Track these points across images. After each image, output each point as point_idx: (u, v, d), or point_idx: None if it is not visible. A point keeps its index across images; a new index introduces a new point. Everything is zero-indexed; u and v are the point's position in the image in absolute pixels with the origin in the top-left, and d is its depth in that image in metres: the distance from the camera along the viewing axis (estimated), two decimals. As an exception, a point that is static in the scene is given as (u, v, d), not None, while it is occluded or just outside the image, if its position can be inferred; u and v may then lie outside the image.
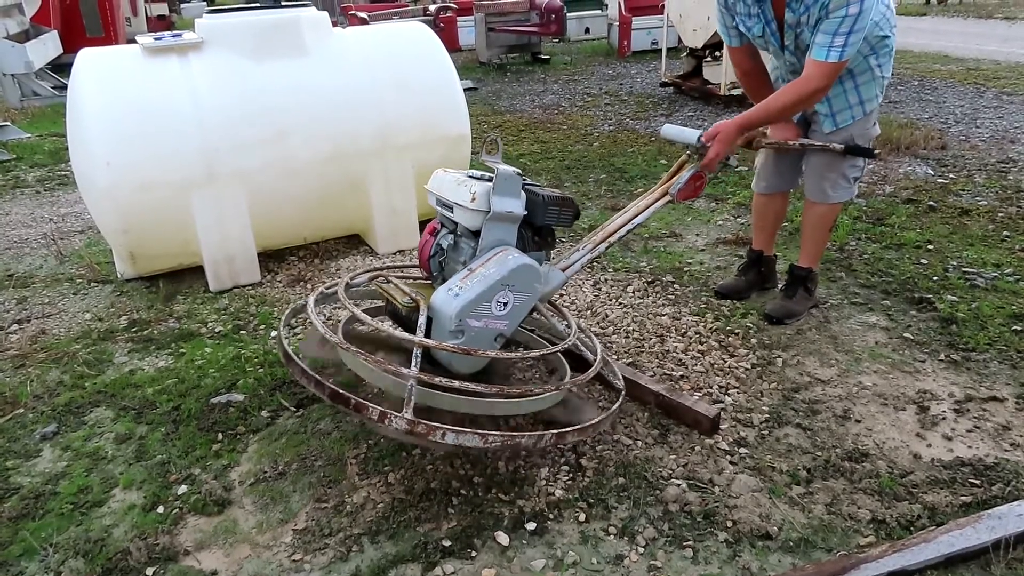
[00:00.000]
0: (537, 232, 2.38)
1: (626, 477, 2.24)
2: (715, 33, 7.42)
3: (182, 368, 2.96)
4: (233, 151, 3.56)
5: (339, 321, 3.17)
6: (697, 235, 4.26)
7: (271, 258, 4.01)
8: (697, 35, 7.68)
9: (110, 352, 3.13)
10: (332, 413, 2.60)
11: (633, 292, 3.51)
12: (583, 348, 2.38)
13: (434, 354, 2.19)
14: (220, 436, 2.52)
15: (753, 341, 3.02)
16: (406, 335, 2.05)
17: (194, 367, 2.96)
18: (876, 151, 2.96)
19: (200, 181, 3.50)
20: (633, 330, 3.14)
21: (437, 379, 1.97)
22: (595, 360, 2.32)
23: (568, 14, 11.65)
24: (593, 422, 2.11)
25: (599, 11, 13.98)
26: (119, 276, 3.84)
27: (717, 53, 7.58)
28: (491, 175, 2.24)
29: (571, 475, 2.26)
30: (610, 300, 3.45)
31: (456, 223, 2.30)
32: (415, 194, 4.07)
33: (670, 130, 2.87)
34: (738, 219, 4.46)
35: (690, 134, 2.76)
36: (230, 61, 3.68)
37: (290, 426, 2.57)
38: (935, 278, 3.53)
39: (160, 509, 2.20)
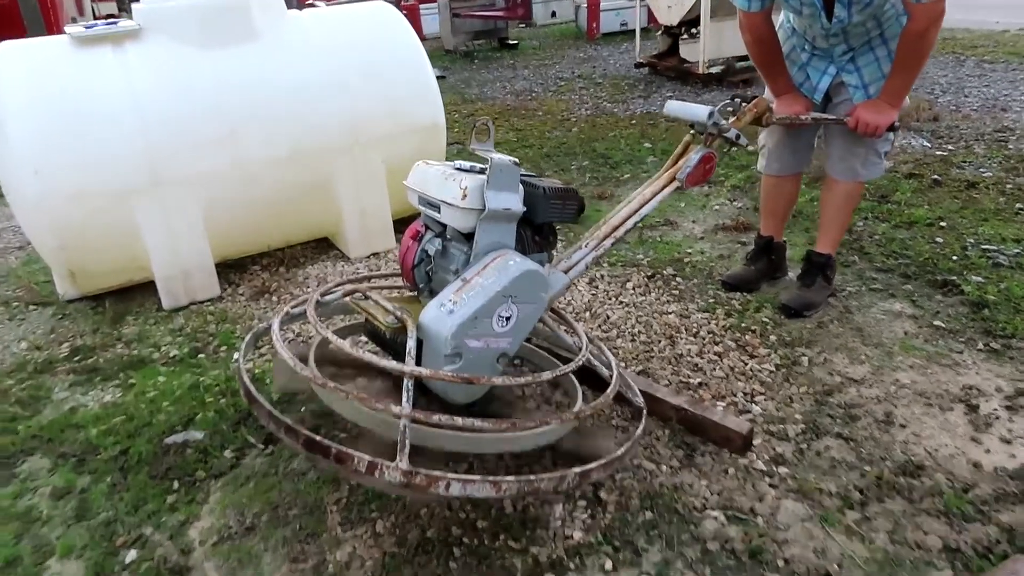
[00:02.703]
0: (537, 230, 2.05)
1: (654, 511, 1.93)
2: (691, 9, 7.13)
3: (131, 403, 2.59)
4: (180, 152, 3.17)
5: (310, 338, 2.83)
6: (694, 222, 3.96)
7: (231, 269, 3.63)
8: (672, 12, 7.37)
9: (48, 387, 2.74)
10: (307, 449, 2.24)
11: (633, 289, 3.20)
12: (596, 363, 2.06)
13: (425, 381, 1.85)
14: (176, 485, 2.16)
15: (772, 338, 2.73)
16: (394, 364, 1.71)
17: (145, 401, 2.58)
18: (898, 124, 2.69)
19: (144, 187, 3.11)
20: (639, 332, 2.83)
21: (436, 417, 1.64)
22: (611, 376, 2.00)
23: (533, -2, 11.29)
24: (619, 454, 1.79)
25: (564, -6, 13.61)
26: (60, 297, 3.43)
27: (694, 30, 7.28)
28: (482, 166, 1.90)
29: (590, 512, 1.95)
30: (609, 299, 3.13)
31: (444, 225, 1.97)
32: (388, 192, 3.71)
33: (675, 107, 2.55)
34: (735, 203, 4.18)
35: (699, 111, 2.44)
36: (172, 50, 3.28)
37: (258, 467, 2.22)
38: (954, 258, 3.28)
39: (104, 584, 1.84)
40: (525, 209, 1.94)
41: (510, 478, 1.60)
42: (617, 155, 5.18)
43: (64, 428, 2.47)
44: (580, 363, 1.91)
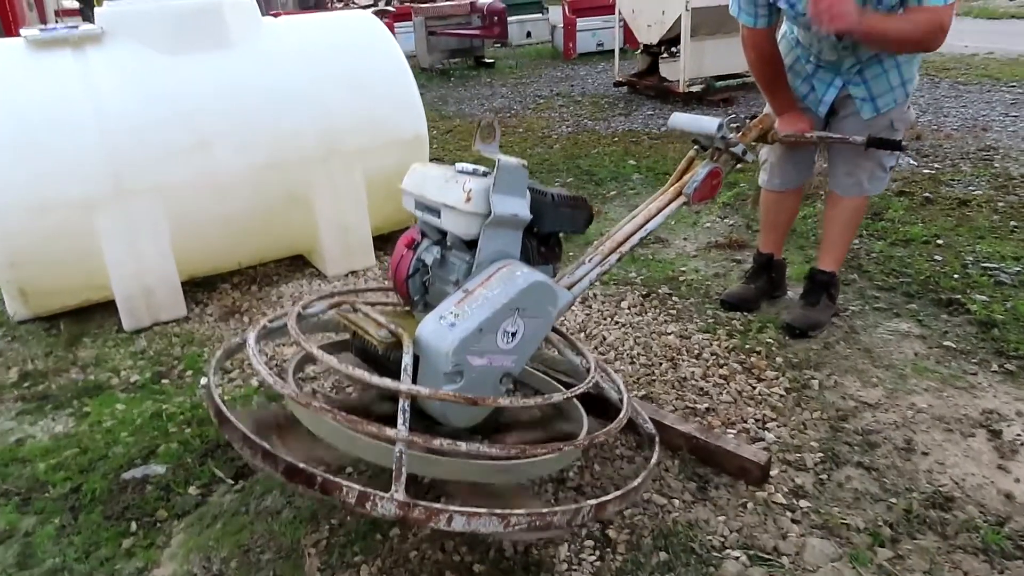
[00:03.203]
0: (543, 241, 1.89)
1: (669, 551, 1.76)
2: (671, 28, 7.10)
3: (85, 434, 2.35)
4: (145, 162, 2.96)
5: (284, 361, 2.62)
6: (685, 239, 3.83)
7: (199, 288, 3.40)
8: (652, 31, 7.34)
9: (-7, 416, 2.49)
10: (281, 485, 2.03)
11: (629, 308, 3.05)
12: (605, 386, 1.89)
13: (421, 402, 1.67)
14: (133, 526, 1.94)
15: (779, 360, 2.59)
16: (389, 382, 1.52)
17: (101, 431, 2.35)
18: (905, 143, 2.59)
19: (106, 199, 2.89)
20: (638, 354, 2.66)
21: (437, 441, 1.45)
22: (620, 400, 1.83)
23: (509, 18, 11.23)
24: (634, 485, 1.62)
25: (540, 15, 13.61)
26: (10, 318, 3.17)
27: (674, 49, 7.25)
28: (486, 169, 1.74)
29: (598, 553, 1.76)
30: (604, 319, 2.97)
31: (443, 232, 1.79)
32: (368, 207, 3.53)
33: (682, 120, 2.41)
34: (726, 221, 4.06)
35: (708, 124, 2.31)
36: (139, 55, 3.08)
37: (227, 505, 2.00)
38: (955, 276, 3.18)
39: (47, 645, 1.61)
40: (532, 217, 1.77)
41: (519, 511, 1.42)
42: (602, 172, 5.05)
43: (8, 462, 2.22)
44: (592, 383, 1.74)
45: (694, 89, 7.12)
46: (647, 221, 2.21)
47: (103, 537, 1.90)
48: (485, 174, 1.75)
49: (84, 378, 2.71)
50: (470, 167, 1.78)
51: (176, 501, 2.02)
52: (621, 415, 1.76)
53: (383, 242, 3.71)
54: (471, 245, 1.75)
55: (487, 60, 10.76)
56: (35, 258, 2.86)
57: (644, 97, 7.74)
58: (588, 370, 1.89)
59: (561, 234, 1.99)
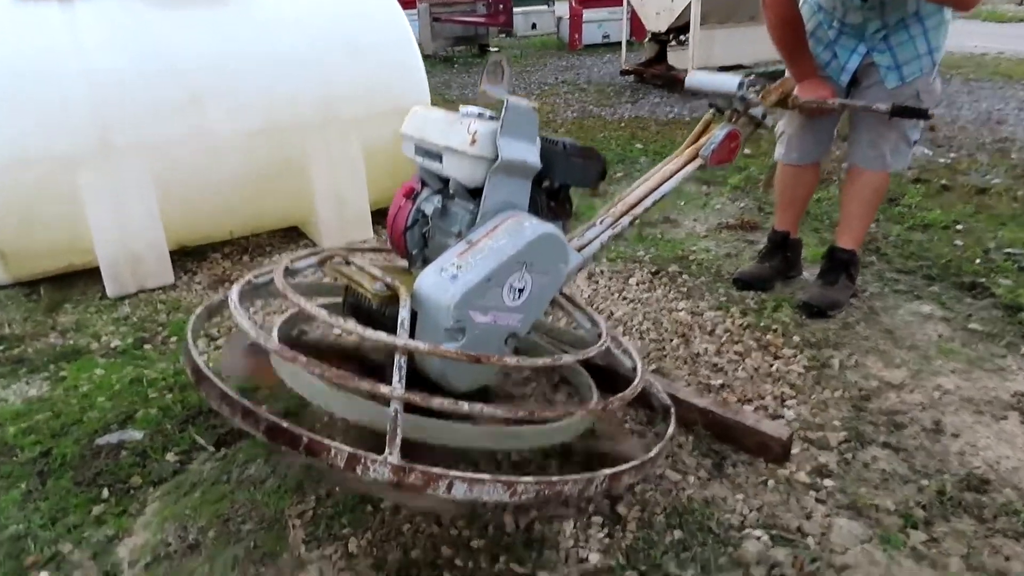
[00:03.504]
0: (553, 195, 1.75)
1: (683, 529, 1.62)
2: (680, 16, 6.96)
3: (60, 398, 2.21)
4: (133, 119, 2.82)
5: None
6: (695, 220, 3.69)
7: (189, 256, 3.26)
8: (660, 18, 7.20)
9: (-38, 379, 2.34)
10: (266, 452, 1.90)
11: (637, 285, 2.91)
12: (618, 352, 1.75)
13: (419, 365, 1.53)
14: (105, 493, 1.79)
15: (796, 339, 2.45)
16: (383, 336, 1.38)
17: (77, 396, 2.21)
18: (931, 111, 2.46)
19: (91, 155, 2.74)
20: (648, 329, 2.53)
21: (436, 400, 1.31)
22: (635, 368, 1.70)
23: (514, 9, 11.10)
24: (652, 455, 1.49)
25: (545, 6, 13.47)
26: (-11, 282, 3.02)
27: (682, 37, 7.11)
28: (492, 113, 1.60)
29: (607, 530, 1.62)
30: (612, 294, 2.83)
31: (445, 180, 1.65)
32: (365, 178, 3.39)
33: (700, 78, 2.28)
34: (736, 203, 3.92)
35: (727, 81, 2.18)
36: (128, 8, 2.94)
37: (207, 473, 1.86)
38: (977, 260, 3.05)
39: (3, 615, 1.46)
40: (541, 166, 1.63)
41: (527, 479, 1.28)
42: (608, 155, 4.91)
43: (-24, 426, 2.08)
44: (604, 347, 1.60)
45: (702, 78, 6.97)
46: (662, 183, 2.08)
47: (72, 503, 1.76)
48: (492, 118, 1.62)
49: (63, 343, 2.57)
50: (476, 109, 1.64)
51: (152, 468, 1.87)
52: (636, 381, 1.62)
53: (382, 217, 3.56)
54: (475, 194, 1.61)
55: (492, 48, 10.62)
56: (15, 217, 2.71)
57: (651, 86, 7.60)
58: (599, 335, 1.75)
59: (571, 189, 1.85)
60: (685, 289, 2.86)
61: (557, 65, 9.51)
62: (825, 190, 3.90)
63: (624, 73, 7.93)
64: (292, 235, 3.55)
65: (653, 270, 3.04)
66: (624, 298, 2.79)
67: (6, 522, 1.71)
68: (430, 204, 1.65)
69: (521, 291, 1.55)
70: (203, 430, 2.01)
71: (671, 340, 2.45)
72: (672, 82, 7.31)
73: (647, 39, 7.72)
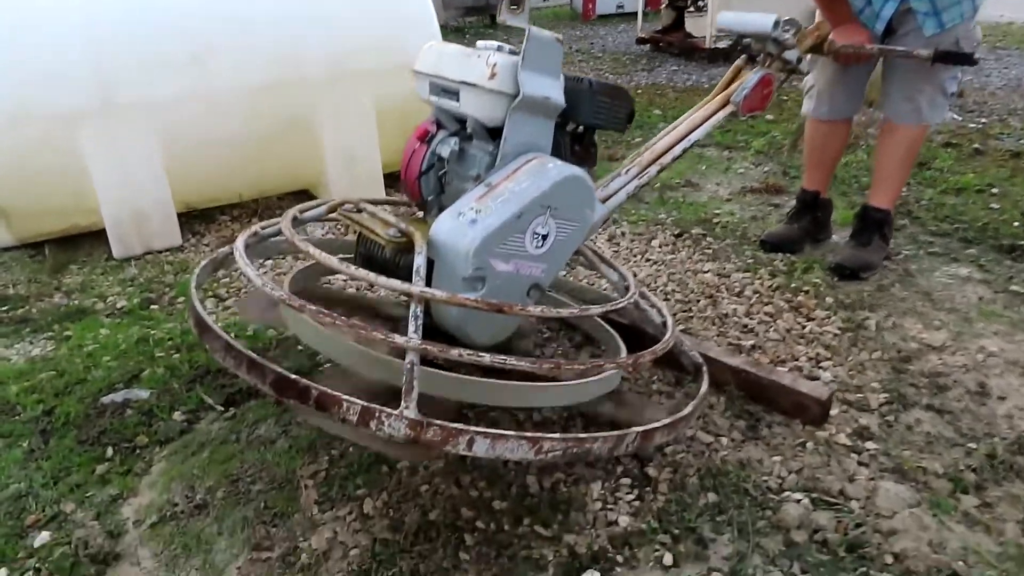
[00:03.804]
0: (577, 139, 1.64)
1: (718, 492, 1.53)
2: (698, -20, 6.76)
3: (64, 357, 2.13)
4: (137, 73, 2.71)
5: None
6: (717, 184, 3.57)
7: (197, 219, 3.17)
8: (678, -17, 7.00)
9: (-35, 339, 2.27)
10: (277, 412, 1.81)
11: (660, 247, 2.80)
12: (647, 306, 1.65)
13: (435, 316, 1.43)
14: (110, 452, 1.72)
15: (829, 300, 2.34)
16: (398, 284, 1.28)
17: (81, 355, 2.13)
18: (976, 57, 2.32)
19: (92, 111, 2.64)
20: (673, 291, 2.42)
21: (454, 351, 1.22)
22: (664, 323, 1.60)
23: (527, -23, 10.85)
24: (685, 413, 1.39)
25: (558, -23, 13.21)
26: (-7, 243, 2.95)
27: (700, 3, 6.91)
28: (512, 47, 1.49)
29: (636, 492, 1.53)
30: (634, 256, 2.73)
31: (462, 121, 1.54)
32: (377, 137, 3.28)
33: (731, 18, 2.15)
34: (760, 168, 3.79)
35: (761, 21, 2.05)
36: (131, -42, 2.82)
37: (215, 433, 1.78)
38: (1015, 223, 2.92)
39: (1, 575, 1.39)
40: (565, 105, 1.52)
41: (554, 435, 1.18)
42: (625, 120, 4.77)
43: (-23, 384, 2.01)
44: (633, 298, 1.50)
45: (721, 45, 6.79)
46: (691, 131, 1.96)
47: (75, 462, 1.68)
48: (513, 51, 1.51)
49: (68, 303, 2.49)
50: (494, 43, 1.53)
51: (159, 427, 1.80)
52: (667, 335, 1.52)
53: (395, 180, 3.46)
54: (495, 135, 1.50)
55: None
56: (17, 174, 2.62)
57: (667, 55, 7.42)
58: (627, 288, 1.65)
59: (596, 133, 1.74)
60: (710, 251, 2.75)
61: (571, 35, 9.31)
62: (852, 154, 3.76)
63: (640, 41, 7.74)
64: (303, 199, 3.45)
65: (676, 232, 2.93)
66: (647, 260, 2.68)
67: (7, 481, 1.64)
68: (446, 147, 1.54)
69: (545, 238, 1.44)
70: (211, 389, 1.93)
71: (697, 301, 2.34)
72: (690, 50, 7.13)
73: (664, 6, 7.51)
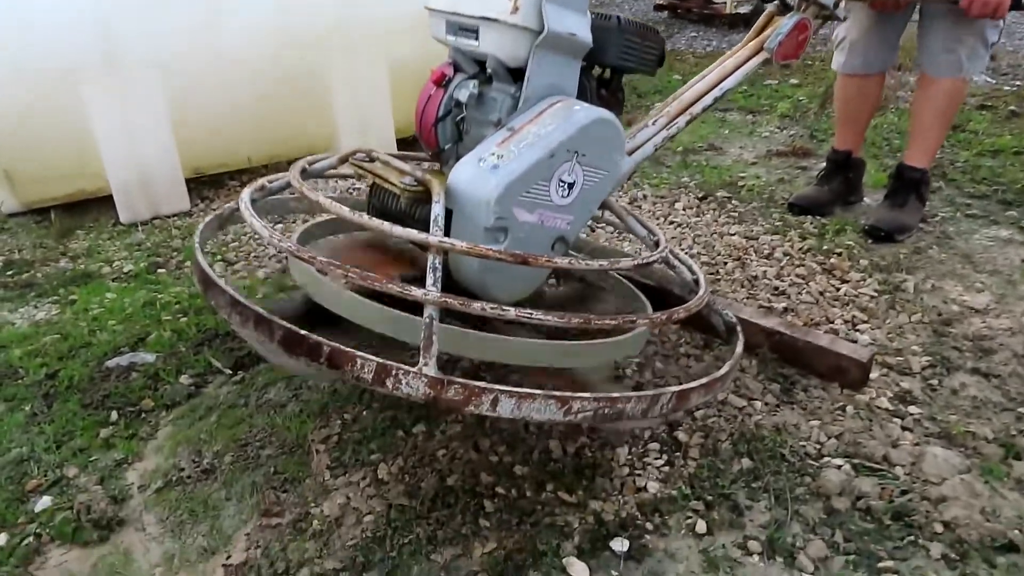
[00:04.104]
0: (604, 83, 1.53)
1: (753, 457, 1.44)
2: (719, -57, 6.54)
3: (69, 321, 2.07)
4: (142, 29, 2.62)
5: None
6: (741, 148, 3.44)
7: (205, 185, 3.09)
8: (697, -53, 6.78)
9: (-32, 303, 2.21)
10: (287, 376, 1.74)
11: (684, 209, 2.69)
12: (677, 262, 1.55)
13: (453, 272, 1.34)
14: (114, 416, 1.65)
15: (864, 263, 2.23)
16: (415, 233, 1.19)
17: (86, 319, 2.06)
18: None
19: (96, 69, 2.56)
20: (699, 253, 2.32)
21: (476, 304, 1.13)
22: (698, 282, 1.50)
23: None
24: (721, 373, 1.29)
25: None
26: (-1, 209, 2.88)
27: (721, -33, 6.70)
28: None
29: (665, 457, 1.45)
30: (656, 218, 2.62)
31: (482, 62, 1.44)
32: (391, 100, 3.18)
33: None
34: (785, 131, 3.66)
35: None
36: (134, -90, 2.71)
37: (224, 397, 1.71)
38: (1057, 186, 2.79)
39: (1, 541, 1.33)
40: (592, 45, 1.41)
41: (584, 395, 1.09)
42: (644, 85, 4.64)
43: (-20, 348, 1.95)
44: (665, 252, 1.40)
45: (742, 11, 6.60)
46: (723, 79, 1.84)
47: (78, 426, 1.62)
48: None
49: (73, 268, 2.43)
50: None
51: (165, 391, 1.73)
52: (701, 292, 1.42)
53: (408, 147, 3.36)
54: (517, 76, 1.40)
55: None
56: (18, 134, 2.55)
57: (686, 21, 7.21)
58: (656, 244, 1.55)
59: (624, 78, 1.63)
60: (736, 214, 2.64)
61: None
62: (882, 116, 3.62)
63: (658, 8, 7.53)
64: (313, 164, 3.36)
65: (700, 195, 2.82)
66: (671, 222, 2.57)
67: (8, 445, 1.57)
68: (464, 90, 1.44)
69: (571, 186, 1.34)
70: (219, 353, 1.86)
71: (725, 263, 2.24)
72: (709, 16, 6.93)
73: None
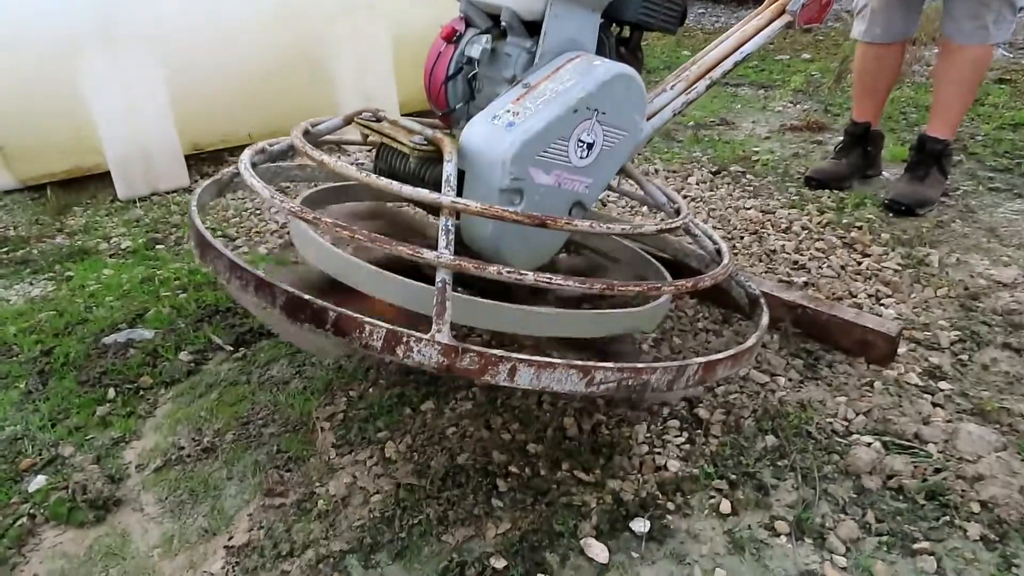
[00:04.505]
0: (623, 41, 1.46)
1: (777, 434, 1.38)
2: (728, -84, 6.41)
3: (65, 297, 2.00)
4: (140, 2, 2.54)
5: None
6: (754, 122, 3.36)
7: (205, 161, 3.01)
8: (705, -79, 6.65)
9: (-37, 280, 2.15)
10: (290, 351, 1.68)
11: (698, 184, 2.62)
12: (698, 232, 1.48)
13: (467, 240, 1.27)
14: (111, 393, 1.59)
15: (885, 236, 2.16)
16: (426, 193, 1.12)
17: (83, 295, 2.00)
18: None
19: (91, 41, 2.48)
20: (715, 227, 2.25)
21: (492, 268, 1.06)
22: (720, 252, 1.43)
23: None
24: (748, 345, 1.23)
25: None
26: (-6, 186, 2.81)
27: (729, -59, 6.57)
28: None
29: (686, 435, 1.39)
30: (669, 194, 2.55)
31: (496, 13, 1.36)
32: (394, 73, 3.09)
33: None
34: (799, 106, 3.57)
35: None
36: None
37: (224, 374, 1.65)
38: (1081, 159, 2.70)
39: (-8, 520, 1.27)
40: (611, 0, 1.34)
41: (608, 364, 1.03)
42: (653, 62, 4.55)
43: (-27, 325, 1.88)
44: (687, 219, 1.33)
45: (750, -14, 6.47)
46: (743, 43, 1.76)
47: (74, 404, 1.56)
48: None
49: (70, 244, 2.36)
50: None
51: (164, 367, 1.67)
52: (725, 261, 1.35)
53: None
54: (533, 30, 1.33)
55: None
56: (12, 108, 2.47)
57: (693, -2, 7.10)
58: (677, 211, 1.48)
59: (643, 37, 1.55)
60: (751, 188, 2.56)
61: (591, -19, 8.97)
62: (898, 89, 3.53)
63: (664, -15, 7.41)
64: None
65: (713, 170, 2.74)
66: (685, 196, 2.50)
67: (2, 423, 1.52)
68: (477, 46, 1.36)
69: (590, 147, 1.27)
70: (220, 329, 1.79)
71: (742, 237, 2.17)
72: (717, -8, 6.81)
73: (690, -54, 7.16)
